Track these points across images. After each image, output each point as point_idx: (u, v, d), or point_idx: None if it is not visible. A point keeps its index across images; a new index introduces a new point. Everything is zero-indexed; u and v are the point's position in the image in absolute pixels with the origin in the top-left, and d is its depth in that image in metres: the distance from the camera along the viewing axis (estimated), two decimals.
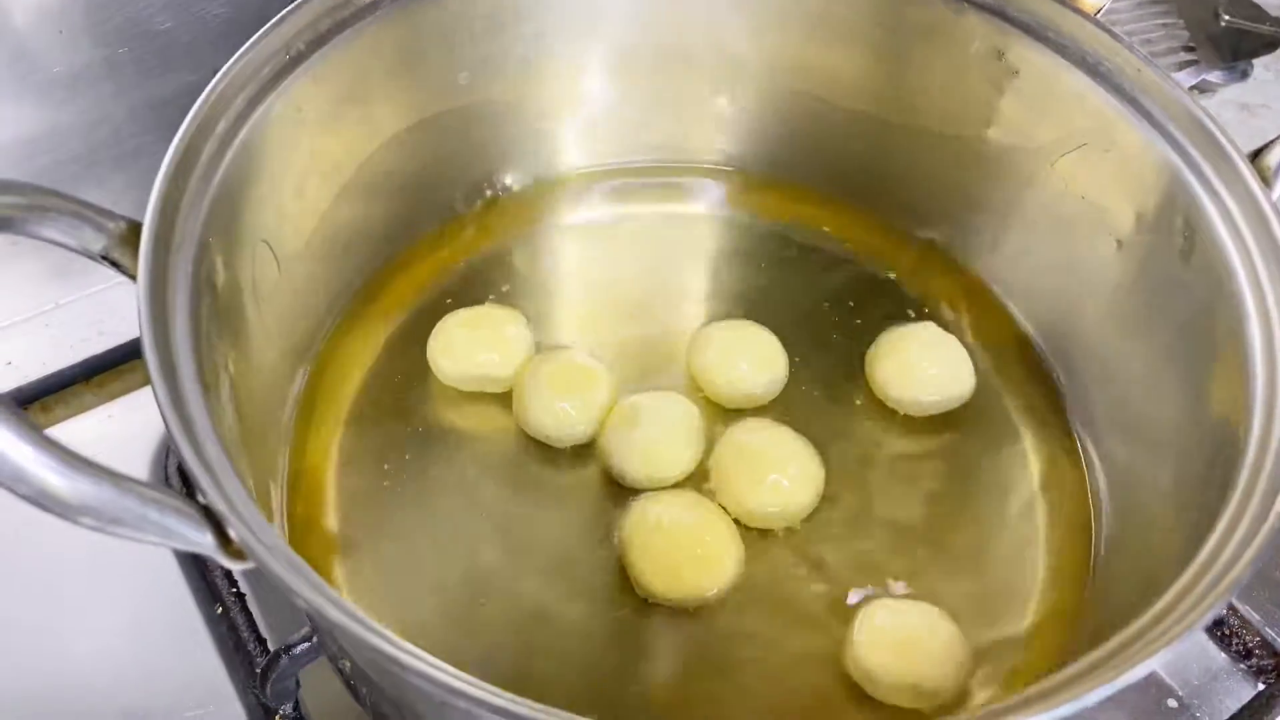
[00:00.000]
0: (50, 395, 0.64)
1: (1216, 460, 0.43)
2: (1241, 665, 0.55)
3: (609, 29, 0.60)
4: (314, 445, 0.54)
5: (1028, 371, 0.59)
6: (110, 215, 0.39)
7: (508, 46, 0.58)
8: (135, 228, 0.40)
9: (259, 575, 0.53)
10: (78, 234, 0.39)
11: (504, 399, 0.56)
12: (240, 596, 0.54)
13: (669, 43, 0.61)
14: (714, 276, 0.63)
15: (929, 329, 0.58)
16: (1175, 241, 0.49)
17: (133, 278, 0.39)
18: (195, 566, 0.55)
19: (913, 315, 0.60)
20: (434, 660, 0.32)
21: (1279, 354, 0.43)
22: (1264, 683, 0.54)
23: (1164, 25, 0.87)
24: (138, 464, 0.59)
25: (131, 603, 0.55)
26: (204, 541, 0.35)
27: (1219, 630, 0.55)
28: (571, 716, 0.31)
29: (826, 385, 0.57)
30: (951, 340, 0.57)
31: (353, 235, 0.57)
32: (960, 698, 0.47)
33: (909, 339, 0.57)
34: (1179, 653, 0.54)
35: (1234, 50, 0.85)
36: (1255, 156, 0.47)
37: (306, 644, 0.49)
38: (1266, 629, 0.55)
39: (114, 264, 0.40)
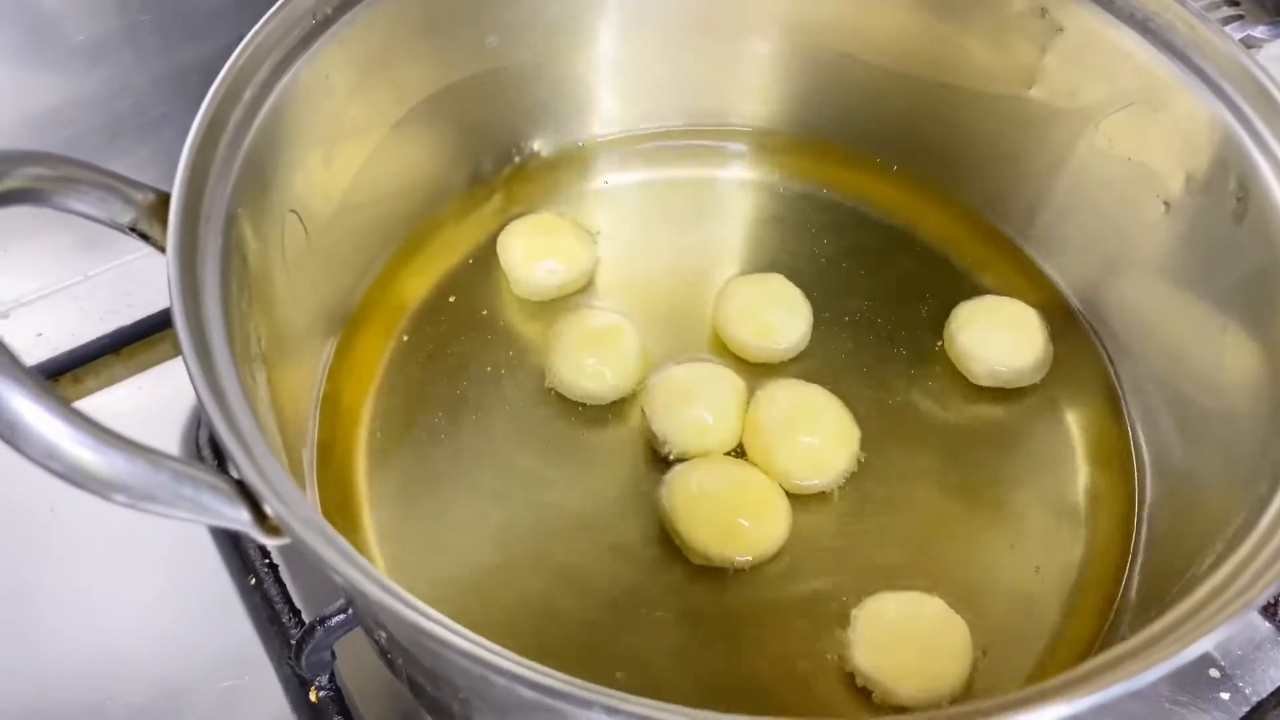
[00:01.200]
0: (81, 367, 0.64)
1: (1273, 431, 0.41)
2: None
3: None
4: (344, 412, 0.53)
5: (1068, 337, 0.57)
6: (138, 186, 0.39)
7: (536, 9, 0.57)
8: (164, 199, 0.39)
9: (293, 549, 0.55)
10: (106, 206, 0.38)
11: (534, 371, 0.55)
12: (274, 568, 0.54)
13: (698, 3, 0.59)
14: (745, 239, 0.63)
15: (1013, 304, 0.57)
16: (1228, 204, 0.48)
17: (161, 249, 0.39)
18: (228, 539, 0.55)
19: (952, 281, 0.59)
20: (471, 635, 0.32)
21: None
22: None
23: None
24: (169, 435, 0.59)
25: (167, 575, 0.55)
26: (240, 518, 0.34)
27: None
28: (610, 692, 0.31)
29: (856, 348, 0.57)
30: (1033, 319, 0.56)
31: (380, 202, 0.56)
32: (968, 691, 0.46)
33: (994, 312, 0.56)
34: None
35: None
36: None
37: (341, 616, 0.49)
38: None
39: (143, 236, 0.40)
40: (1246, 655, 0.55)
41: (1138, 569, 0.50)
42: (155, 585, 0.55)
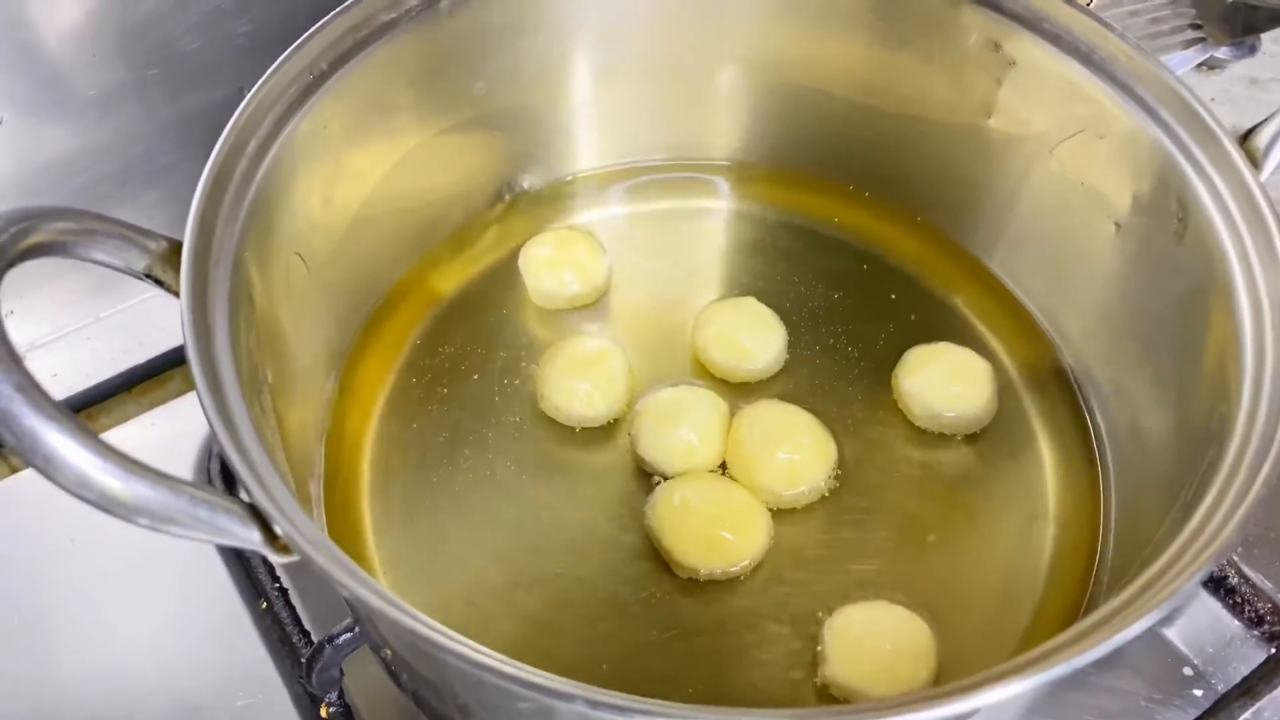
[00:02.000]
0: (94, 405, 0.67)
1: (1209, 438, 0.44)
2: (1254, 632, 0.56)
3: (617, 35, 0.61)
4: (348, 441, 0.56)
5: (1036, 353, 0.60)
6: (152, 236, 0.42)
7: (521, 57, 0.60)
8: (175, 246, 0.42)
9: (301, 568, 0.57)
10: (123, 255, 0.41)
11: (527, 397, 0.58)
12: (283, 591, 0.56)
13: (676, 46, 0.62)
14: (724, 265, 0.65)
15: (958, 351, 0.59)
16: (1170, 223, 0.50)
17: (174, 293, 0.41)
18: (239, 564, 0.58)
19: (923, 303, 0.62)
20: (466, 640, 0.34)
21: (1266, 330, 0.44)
22: (1276, 648, 0.55)
23: (1171, 2, 0.88)
24: (181, 466, 0.61)
25: (180, 599, 0.57)
26: (252, 538, 0.37)
27: (1232, 599, 0.56)
28: (596, 689, 0.33)
29: (834, 369, 0.60)
30: (980, 366, 0.58)
31: (379, 240, 0.59)
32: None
33: (936, 360, 0.58)
34: (1194, 623, 0.57)
35: (1242, 25, 0.85)
36: (1244, 139, 0.48)
37: (349, 634, 0.51)
38: (1278, 595, 0.56)
39: (156, 281, 0.42)
40: (1218, 652, 0.56)
41: (1106, 568, 0.53)
42: (170, 610, 0.57)
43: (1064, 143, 0.55)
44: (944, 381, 0.57)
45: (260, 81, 0.49)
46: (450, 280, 0.63)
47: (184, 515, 0.35)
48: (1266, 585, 0.56)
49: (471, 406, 0.58)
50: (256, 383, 0.44)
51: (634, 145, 0.67)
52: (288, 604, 0.55)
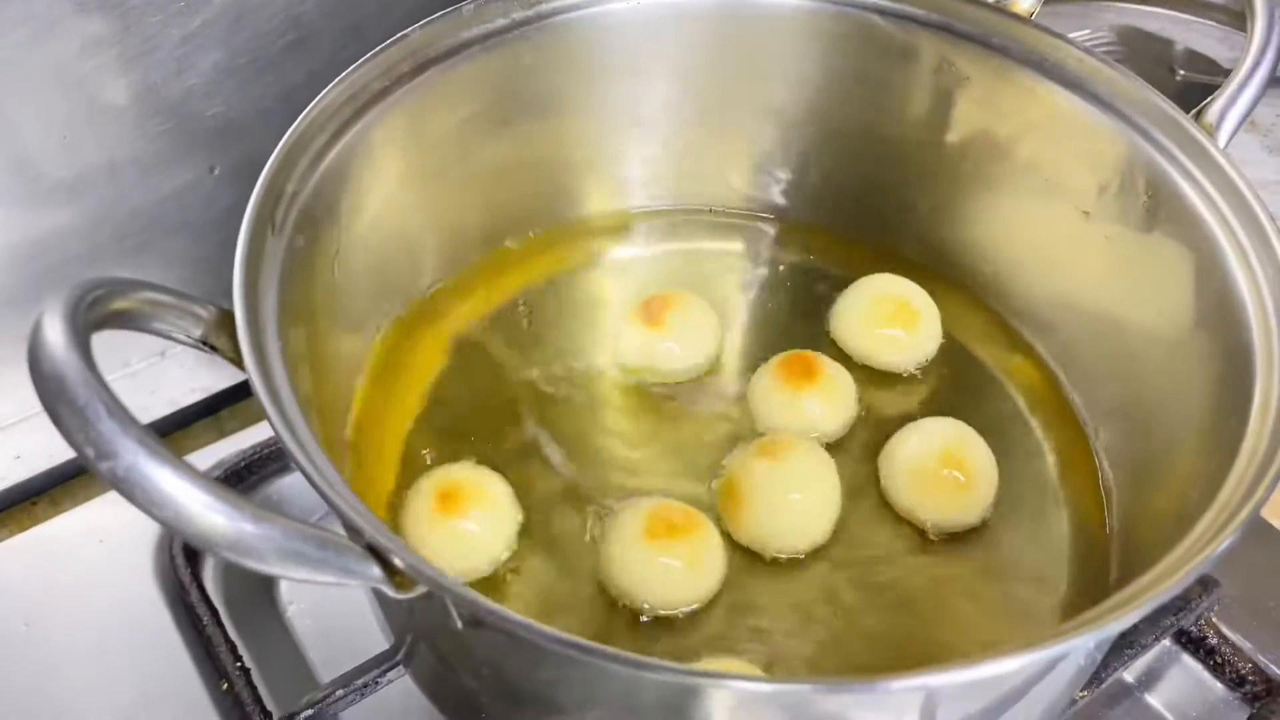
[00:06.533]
0: (57, 487, 0.65)
1: (1223, 399, 0.46)
2: (1236, 694, 0.56)
3: (658, 83, 0.62)
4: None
5: (1031, 365, 0.61)
6: (202, 303, 0.41)
7: (564, 99, 0.61)
8: (225, 314, 0.42)
9: (265, 646, 0.56)
10: (181, 325, 0.41)
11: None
12: (245, 671, 0.54)
13: (709, 98, 0.64)
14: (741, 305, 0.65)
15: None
16: (1141, 201, 0.53)
17: (229, 359, 0.42)
18: (200, 644, 0.56)
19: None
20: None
21: (1262, 286, 0.46)
22: (1258, 708, 0.54)
23: None
24: (144, 545, 0.59)
25: (140, 682, 0.55)
26: (373, 573, 0.36)
27: (1212, 659, 0.56)
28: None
29: None
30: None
31: (397, 285, 0.59)
32: None
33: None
34: (1176, 687, 0.56)
35: (1190, 105, 0.88)
36: (1198, 115, 0.51)
37: (309, 712, 0.50)
38: (1258, 655, 0.56)
39: (212, 348, 0.42)
40: (1202, 715, 0.56)
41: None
42: (130, 694, 0.54)
43: (1027, 144, 0.58)
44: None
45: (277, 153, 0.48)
46: (471, 317, 0.61)
47: (311, 557, 0.35)
48: (1246, 645, 0.56)
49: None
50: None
51: (668, 189, 0.67)
52: (249, 684, 0.54)
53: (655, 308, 0.59)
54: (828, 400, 0.57)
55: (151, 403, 0.68)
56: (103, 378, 0.33)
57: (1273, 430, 0.42)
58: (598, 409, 0.58)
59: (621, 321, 0.61)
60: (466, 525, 0.51)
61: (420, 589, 0.36)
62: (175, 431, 0.69)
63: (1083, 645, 0.40)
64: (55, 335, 0.34)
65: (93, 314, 0.36)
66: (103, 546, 0.60)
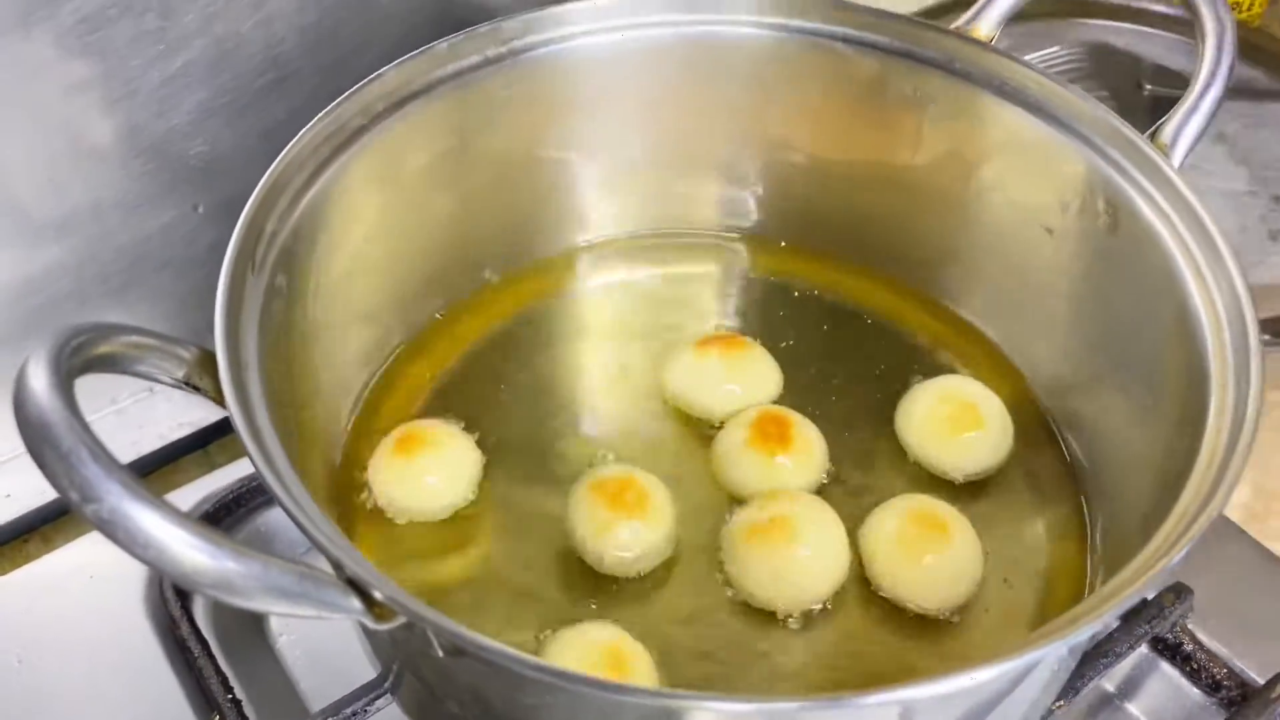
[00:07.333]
0: (48, 524, 0.66)
1: (1184, 410, 0.47)
2: (1213, 699, 0.57)
3: (630, 114, 0.64)
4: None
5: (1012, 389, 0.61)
6: (184, 345, 0.43)
7: (536, 132, 0.62)
8: (207, 354, 0.43)
9: (255, 677, 0.56)
10: (164, 366, 0.42)
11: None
12: (236, 703, 0.54)
13: (679, 126, 0.65)
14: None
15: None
16: (1101, 220, 0.54)
17: (211, 398, 0.43)
18: (190, 676, 0.56)
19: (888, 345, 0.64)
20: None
21: (1216, 299, 0.48)
22: (1233, 712, 0.55)
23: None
24: (135, 580, 0.60)
25: (132, 715, 0.56)
26: (354, 606, 0.37)
27: (1189, 665, 0.57)
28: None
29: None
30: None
31: (379, 319, 0.60)
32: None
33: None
34: (1154, 695, 0.57)
35: (1159, 119, 0.89)
36: (1153, 135, 0.53)
37: None
38: (1234, 660, 0.57)
39: (195, 388, 0.43)
40: None
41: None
42: None
43: (990, 167, 0.59)
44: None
45: (249, 207, 0.50)
46: (452, 351, 0.63)
47: (293, 592, 0.36)
48: (1223, 651, 0.57)
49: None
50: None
51: (639, 215, 0.68)
52: (240, 715, 0.54)
53: (717, 346, 0.60)
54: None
55: (140, 438, 0.69)
56: (86, 423, 0.34)
57: (1228, 436, 0.43)
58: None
59: (678, 350, 0.61)
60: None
61: (400, 619, 0.37)
62: (164, 466, 0.70)
63: (1051, 655, 0.41)
64: (39, 382, 0.35)
65: (76, 359, 0.37)
66: (94, 582, 0.60)
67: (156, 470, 0.70)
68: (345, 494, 0.56)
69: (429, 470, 0.55)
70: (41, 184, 0.62)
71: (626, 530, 0.53)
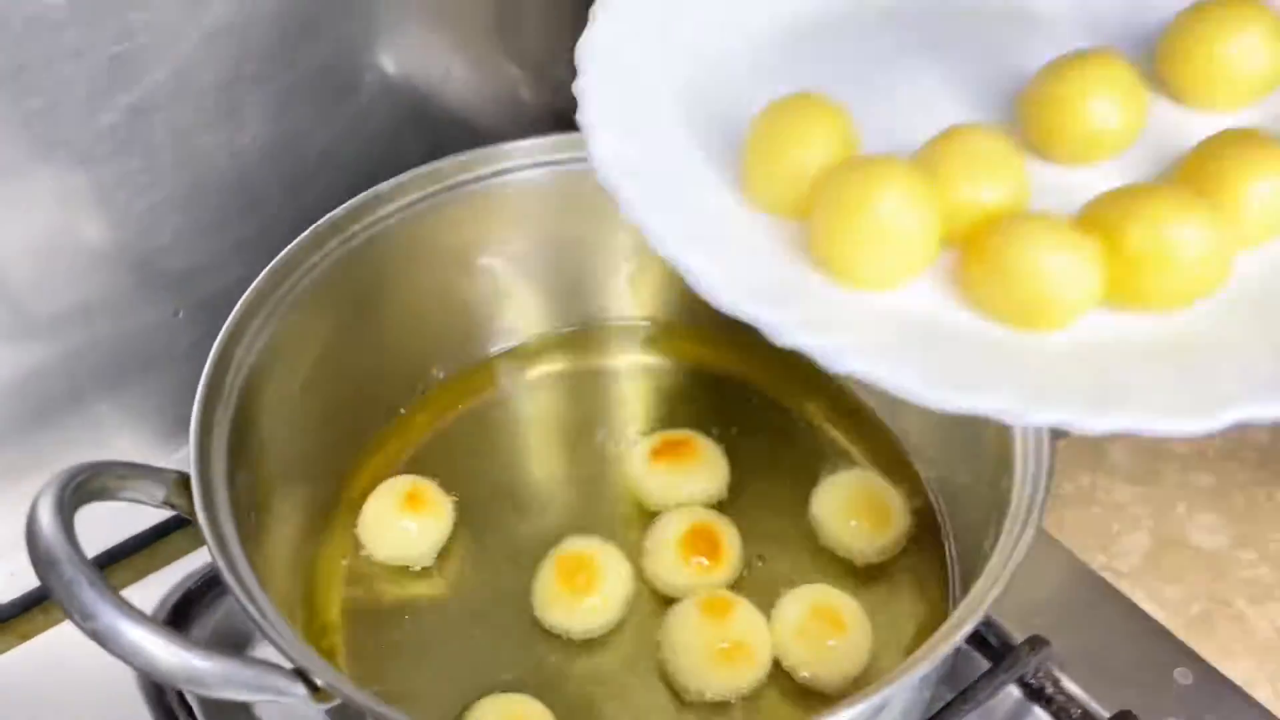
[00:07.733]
0: (49, 600, 0.70)
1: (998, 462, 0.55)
2: None
3: (526, 230, 0.72)
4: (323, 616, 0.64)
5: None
6: (164, 472, 0.52)
7: (467, 252, 0.70)
8: (183, 477, 0.53)
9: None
10: (147, 491, 0.52)
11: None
12: None
13: (581, 232, 0.73)
14: (644, 415, 0.75)
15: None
16: None
17: (189, 516, 0.52)
18: None
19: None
20: None
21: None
22: None
23: None
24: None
25: None
26: (298, 691, 0.47)
27: (1050, 706, 0.63)
28: None
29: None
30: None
31: (336, 431, 0.68)
32: None
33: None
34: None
35: None
36: None
37: None
38: (1091, 702, 0.62)
39: (173, 507, 0.52)
40: None
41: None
42: None
43: None
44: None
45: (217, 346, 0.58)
46: (375, 479, 0.70)
47: (250, 682, 0.46)
48: (1080, 694, 0.63)
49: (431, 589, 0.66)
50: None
51: (547, 319, 0.76)
52: None
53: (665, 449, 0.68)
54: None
55: (136, 518, 0.73)
56: (84, 555, 0.43)
57: (1032, 484, 0.51)
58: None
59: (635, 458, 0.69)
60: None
61: (336, 700, 0.46)
62: (156, 541, 0.74)
63: (886, 699, 0.47)
64: (46, 520, 0.44)
65: (77, 496, 0.46)
66: (93, 658, 0.65)
67: (150, 545, 0.74)
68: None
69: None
70: (35, 287, 0.67)
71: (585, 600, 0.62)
